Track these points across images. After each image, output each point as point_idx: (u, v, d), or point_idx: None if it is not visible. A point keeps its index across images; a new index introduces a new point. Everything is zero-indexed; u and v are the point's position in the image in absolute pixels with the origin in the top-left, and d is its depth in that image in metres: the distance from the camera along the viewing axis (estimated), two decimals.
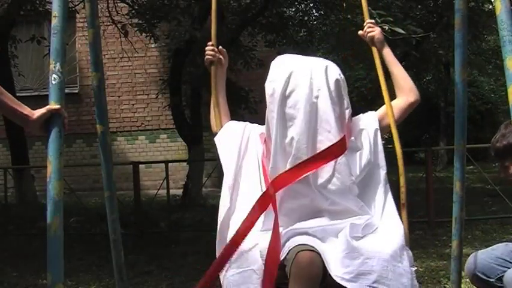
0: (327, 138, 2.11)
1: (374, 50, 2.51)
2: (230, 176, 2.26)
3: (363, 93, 15.42)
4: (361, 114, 2.37)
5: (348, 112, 2.19)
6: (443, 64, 14.80)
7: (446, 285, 4.13)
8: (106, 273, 4.85)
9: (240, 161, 2.30)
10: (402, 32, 6.11)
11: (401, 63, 2.53)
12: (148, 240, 6.55)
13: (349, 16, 7.93)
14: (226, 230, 2.17)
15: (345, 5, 7.38)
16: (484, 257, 2.59)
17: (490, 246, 2.79)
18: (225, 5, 8.31)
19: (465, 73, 2.82)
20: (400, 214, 2.19)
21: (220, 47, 2.56)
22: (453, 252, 3.06)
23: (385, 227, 2.11)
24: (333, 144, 2.10)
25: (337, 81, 2.14)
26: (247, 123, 2.45)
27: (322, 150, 2.10)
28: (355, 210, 2.13)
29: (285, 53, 2.34)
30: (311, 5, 10.20)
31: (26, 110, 2.09)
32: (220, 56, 2.54)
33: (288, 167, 2.11)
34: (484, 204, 7.92)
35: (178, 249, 5.99)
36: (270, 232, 2.02)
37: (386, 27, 5.94)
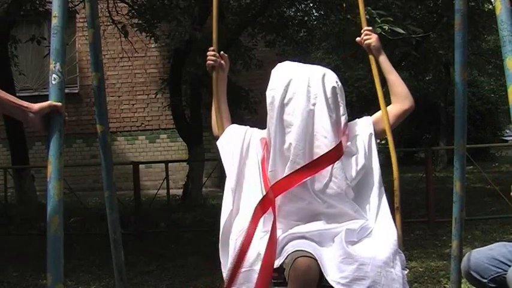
0: (323, 143, 2.17)
1: (371, 57, 2.52)
2: (232, 179, 2.32)
3: (363, 93, 15.42)
4: (357, 119, 2.41)
5: (344, 118, 2.25)
6: (443, 64, 14.79)
7: (446, 285, 4.13)
8: (106, 273, 4.85)
9: (242, 164, 2.35)
10: (402, 32, 6.10)
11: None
12: (148, 240, 6.54)
13: (349, 16, 7.92)
14: (228, 232, 2.22)
15: (344, 5, 7.38)
16: (480, 256, 2.55)
17: None
18: (225, 5, 8.31)
19: (465, 73, 2.81)
20: (393, 217, 2.24)
21: (221, 52, 2.59)
22: (453, 252, 3.05)
23: (379, 231, 2.17)
24: (330, 150, 2.16)
25: (333, 88, 2.20)
26: (247, 127, 2.49)
27: (320, 156, 2.16)
28: (351, 213, 2.20)
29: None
30: (311, 5, 10.16)
31: (23, 102, 2.03)
32: (222, 61, 2.58)
33: (287, 171, 2.18)
34: (484, 204, 7.91)
35: (178, 249, 5.99)
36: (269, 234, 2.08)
37: (386, 27, 5.94)
